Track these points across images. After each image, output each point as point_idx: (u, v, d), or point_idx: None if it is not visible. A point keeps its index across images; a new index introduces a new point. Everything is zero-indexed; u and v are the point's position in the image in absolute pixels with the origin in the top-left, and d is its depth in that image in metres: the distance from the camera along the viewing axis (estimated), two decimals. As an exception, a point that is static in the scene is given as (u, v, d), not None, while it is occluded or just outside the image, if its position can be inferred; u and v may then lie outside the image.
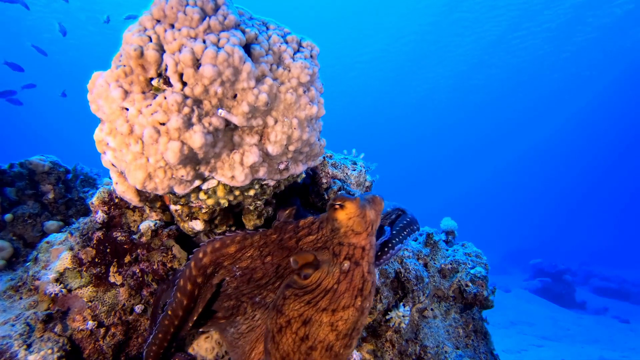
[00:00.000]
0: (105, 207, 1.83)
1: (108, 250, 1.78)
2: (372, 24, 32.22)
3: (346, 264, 1.24)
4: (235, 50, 1.20)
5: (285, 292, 1.25)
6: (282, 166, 1.49)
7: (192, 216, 1.60)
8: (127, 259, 1.78)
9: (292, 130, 1.39)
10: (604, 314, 13.81)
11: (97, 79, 1.32)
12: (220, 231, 1.79)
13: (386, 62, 37.24)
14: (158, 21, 1.26)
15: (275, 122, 1.37)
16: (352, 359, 1.90)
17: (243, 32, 1.32)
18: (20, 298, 1.86)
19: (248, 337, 1.52)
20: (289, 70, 1.39)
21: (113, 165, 1.42)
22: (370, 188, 2.33)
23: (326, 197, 2.07)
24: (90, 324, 1.72)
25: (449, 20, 29.32)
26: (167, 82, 1.24)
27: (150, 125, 1.19)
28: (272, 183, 1.55)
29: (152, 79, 1.25)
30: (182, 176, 1.31)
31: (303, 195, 2.07)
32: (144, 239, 1.76)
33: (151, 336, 1.48)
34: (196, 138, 1.20)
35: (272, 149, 1.38)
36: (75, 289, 1.76)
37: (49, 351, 1.61)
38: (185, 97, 1.21)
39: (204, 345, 1.90)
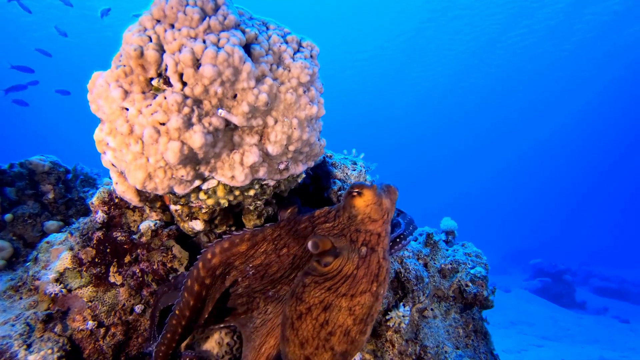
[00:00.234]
0: (105, 207, 1.83)
1: (108, 250, 1.78)
2: (371, 22, 32.21)
3: (363, 250, 1.27)
4: (235, 50, 1.20)
5: (305, 280, 1.27)
6: (282, 166, 1.49)
7: (192, 216, 1.60)
8: (127, 259, 1.78)
9: (292, 130, 1.39)
10: (604, 314, 13.81)
11: (97, 79, 1.32)
12: (220, 231, 1.79)
13: (386, 61, 37.23)
14: (158, 21, 1.26)
15: (275, 122, 1.37)
16: (352, 359, 1.89)
17: (243, 32, 1.32)
18: (20, 298, 1.86)
19: (260, 331, 1.53)
20: (289, 70, 1.39)
21: (113, 165, 1.42)
22: (370, 188, 2.32)
23: (326, 197, 2.07)
24: (90, 324, 1.72)
25: (448, 18, 29.31)
26: (167, 82, 1.24)
27: (150, 125, 1.19)
28: (272, 183, 1.55)
29: (152, 79, 1.25)
30: (182, 176, 1.31)
31: (303, 195, 2.07)
32: (144, 239, 1.76)
33: (160, 336, 1.47)
34: (196, 138, 1.20)
35: (272, 149, 1.38)
36: (75, 289, 1.76)
37: (49, 351, 1.61)
38: (185, 97, 1.21)
39: (205, 346, 1.90)
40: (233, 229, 1.81)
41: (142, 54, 1.21)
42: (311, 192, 2.12)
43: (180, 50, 1.19)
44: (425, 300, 2.21)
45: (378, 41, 34.37)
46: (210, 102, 1.25)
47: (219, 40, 1.23)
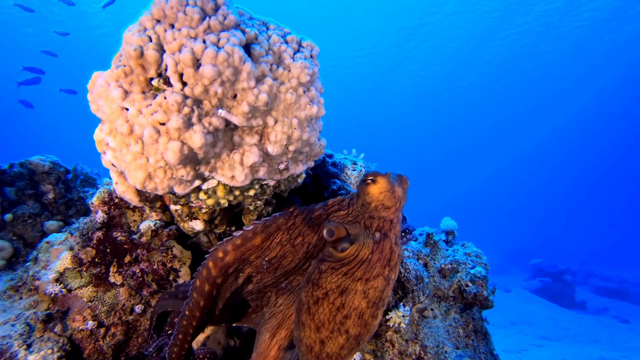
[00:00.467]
0: (105, 207, 1.83)
1: (108, 250, 1.78)
2: (370, 21, 32.18)
3: (377, 235, 1.31)
4: (235, 50, 1.20)
5: (321, 267, 1.30)
6: (282, 166, 1.49)
7: (192, 216, 1.60)
8: (127, 259, 1.78)
9: (292, 130, 1.39)
10: (604, 314, 13.80)
11: (97, 79, 1.33)
12: (220, 231, 1.79)
13: (386, 61, 37.23)
14: (158, 21, 1.26)
15: (275, 122, 1.37)
16: (352, 359, 1.90)
17: (243, 32, 1.32)
18: (20, 298, 1.86)
19: (270, 323, 1.56)
20: (289, 70, 1.39)
21: (113, 165, 1.42)
22: (370, 188, 2.32)
23: (326, 197, 2.07)
24: (90, 324, 1.72)
25: (448, 17, 29.31)
26: (167, 82, 1.24)
27: (150, 125, 1.19)
28: (272, 183, 1.55)
29: (152, 79, 1.25)
30: (182, 176, 1.31)
31: (303, 195, 2.07)
32: (144, 239, 1.76)
33: (172, 338, 1.47)
34: (196, 138, 1.20)
35: (272, 149, 1.38)
36: (75, 289, 1.76)
37: (49, 351, 1.61)
38: (185, 97, 1.21)
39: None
40: (233, 228, 1.81)
41: (142, 54, 1.21)
42: (311, 192, 2.12)
43: (180, 50, 1.19)
44: (425, 300, 2.21)
45: (377, 40, 34.35)
46: (210, 102, 1.25)
47: (219, 40, 1.23)
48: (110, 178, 1.58)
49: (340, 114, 53.52)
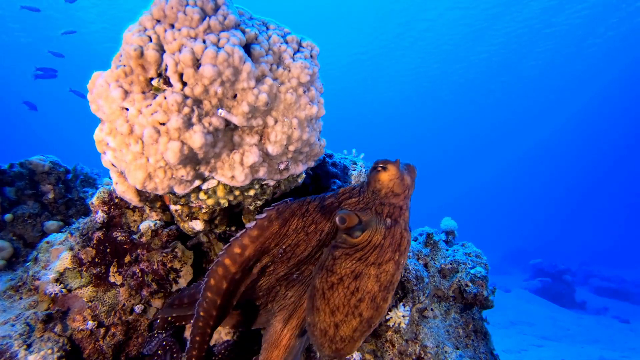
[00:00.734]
0: (105, 207, 1.83)
1: (108, 250, 1.78)
2: (370, 20, 32.18)
3: (388, 221, 1.36)
4: (235, 50, 1.20)
5: (335, 253, 1.33)
6: (282, 166, 1.49)
7: (192, 216, 1.60)
8: (127, 259, 1.78)
9: (292, 130, 1.39)
10: (604, 314, 13.80)
11: (97, 79, 1.32)
12: (220, 231, 1.79)
13: (386, 60, 37.22)
14: (158, 21, 1.26)
15: (275, 122, 1.37)
16: (352, 359, 1.90)
17: (243, 32, 1.32)
18: (20, 298, 1.86)
19: (279, 315, 1.59)
20: (289, 70, 1.39)
21: (113, 165, 1.42)
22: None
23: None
24: (90, 324, 1.72)
25: (448, 17, 29.30)
26: (167, 82, 1.24)
27: (150, 125, 1.19)
28: (272, 183, 1.55)
29: (152, 79, 1.25)
30: (182, 176, 1.31)
31: (303, 195, 2.07)
32: (144, 239, 1.76)
33: (189, 342, 1.45)
34: (196, 138, 1.20)
35: (272, 149, 1.38)
36: (75, 289, 1.76)
37: (49, 351, 1.61)
38: (185, 97, 1.21)
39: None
40: (233, 229, 1.81)
41: (142, 54, 1.21)
42: (311, 192, 2.12)
43: (180, 50, 1.19)
44: (425, 300, 2.21)
45: (377, 39, 34.33)
46: (210, 102, 1.25)
47: (219, 40, 1.23)
48: (110, 178, 1.58)
49: (340, 113, 53.50)
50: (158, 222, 1.78)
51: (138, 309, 1.80)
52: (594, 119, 46.43)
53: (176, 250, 1.78)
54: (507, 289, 14.98)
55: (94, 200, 1.84)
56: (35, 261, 1.91)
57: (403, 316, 1.98)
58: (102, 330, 1.75)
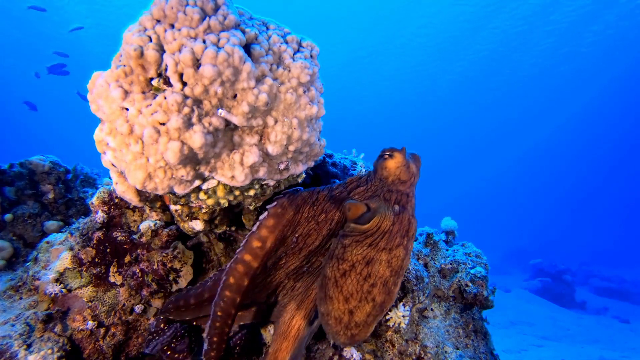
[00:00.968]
0: (105, 207, 1.83)
1: (108, 250, 1.78)
2: (371, 19, 32.17)
3: (396, 207, 1.39)
4: (235, 50, 1.20)
5: (344, 242, 1.35)
6: (282, 166, 1.49)
7: (192, 216, 1.60)
8: (127, 259, 1.78)
9: (292, 130, 1.39)
10: (604, 314, 13.80)
11: (97, 79, 1.32)
12: (220, 231, 1.79)
13: (385, 60, 37.22)
14: (158, 21, 1.26)
15: (275, 122, 1.37)
16: (353, 359, 1.90)
17: (243, 32, 1.32)
18: (20, 298, 1.86)
19: (289, 306, 1.62)
20: (289, 70, 1.39)
21: (113, 165, 1.42)
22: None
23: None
24: (90, 324, 1.72)
25: (448, 18, 29.29)
26: (167, 82, 1.24)
27: (150, 125, 1.19)
28: (272, 183, 1.55)
29: (152, 79, 1.25)
30: (182, 176, 1.31)
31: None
32: (144, 239, 1.76)
33: (206, 343, 1.42)
34: (196, 138, 1.20)
35: (272, 149, 1.38)
36: (75, 289, 1.76)
37: (49, 351, 1.61)
38: (185, 97, 1.21)
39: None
40: (233, 229, 1.81)
41: (142, 54, 1.21)
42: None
43: (180, 50, 1.19)
44: (425, 300, 2.21)
45: (377, 39, 34.32)
46: (210, 102, 1.25)
47: (219, 40, 1.23)
48: (110, 178, 1.58)
49: (340, 113, 53.49)
50: (158, 222, 1.78)
51: (138, 309, 1.80)
52: (594, 119, 46.42)
53: (176, 250, 1.78)
54: (507, 289, 14.98)
55: (94, 200, 1.84)
56: (35, 261, 1.91)
57: (403, 316, 1.98)
58: (102, 330, 1.75)
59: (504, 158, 61.53)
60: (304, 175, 1.70)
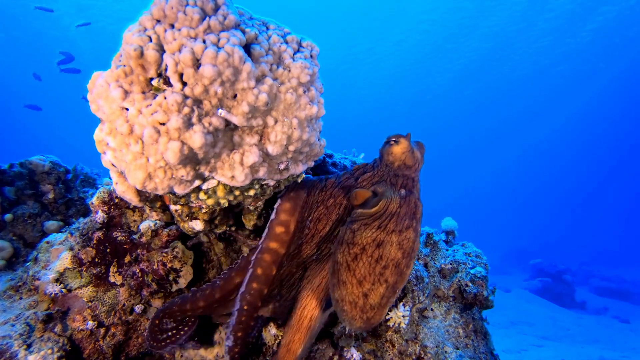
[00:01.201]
0: (105, 207, 1.83)
1: (108, 250, 1.78)
2: (371, 19, 32.16)
3: (403, 191, 1.44)
4: (235, 50, 1.20)
5: (353, 227, 1.38)
6: (282, 166, 1.49)
7: (192, 216, 1.60)
8: (127, 259, 1.78)
9: (292, 130, 1.39)
10: (604, 314, 13.79)
11: (97, 79, 1.32)
12: (220, 231, 1.79)
13: (385, 60, 37.20)
14: (158, 21, 1.26)
15: (275, 122, 1.37)
16: (353, 359, 1.90)
17: (243, 32, 1.32)
18: (20, 298, 1.86)
19: (299, 297, 1.64)
20: (289, 70, 1.39)
21: (113, 165, 1.42)
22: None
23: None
24: (90, 324, 1.72)
25: (448, 17, 29.28)
26: (167, 82, 1.24)
27: (150, 125, 1.19)
28: (272, 183, 1.55)
29: (152, 79, 1.25)
30: (182, 176, 1.31)
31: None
32: (144, 239, 1.76)
33: (231, 339, 1.40)
34: (196, 138, 1.20)
35: (272, 149, 1.38)
36: (75, 289, 1.76)
37: (49, 351, 1.61)
38: (185, 97, 1.21)
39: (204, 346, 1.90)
40: (233, 229, 1.81)
41: (142, 54, 1.21)
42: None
43: (180, 50, 1.19)
44: (425, 300, 2.21)
45: (377, 39, 34.29)
46: (210, 102, 1.25)
47: (219, 40, 1.23)
48: (110, 178, 1.58)
49: (340, 113, 53.49)
50: (158, 222, 1.78)
51: (138, 309, 1.80)
52: (594, 118, 46.41)
53: (176, 250, 1.78)
54: (507, 289, 14.97)
55: (94, 200, 1.84)
56: (35, 261, 1.91)
57: (403, 316, 1.98)
58: (102, 330, 1.75)
59: (504, 158, 61.53)
60: (303, 175, 1.70)
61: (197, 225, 1.61)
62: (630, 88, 36.91)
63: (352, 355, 1.89)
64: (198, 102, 1.24)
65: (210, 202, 1.48)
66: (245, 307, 1.38)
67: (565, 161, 58.03)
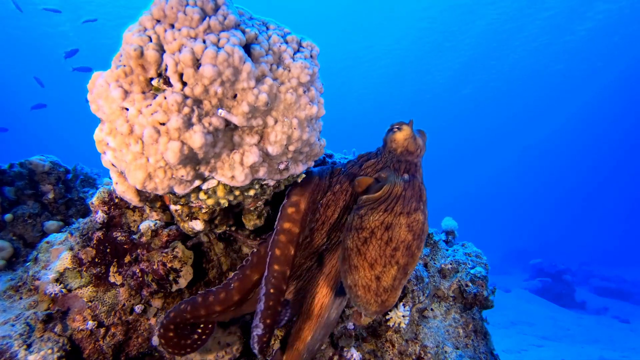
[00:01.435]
0: (105, 207, 1.83)
1: (108, 250, 1.78)
2: (371, 19, 32.15)
3: (406, 176, 1.48)
4: (235, 50, 1.20)
5: (360, 212, 1.41)
6: (282, 166, 1.49)
7: (192, 216, 1.60)
8: (127, 259, 1.78)
9: (292, 130, 1.39)
10: (604, 314, 13.80)
11: (97, 79, 1.32)
12: (220, 231, 1.79)
13: (385, 60, 37.19)
14: (158, 21, 1.26)
15: (275, 122, 1.37)
16: (353, 359, 1.90)
17: (243, 32, 1.32)
18: (20, 298, 1.86)
19: (308, 286, 1.65)
20: (289, 70, 1.39)
21: (113, 165, 1.42)
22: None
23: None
24: (90, 324, 1.72)
25: (449, 18, 29.27)
26: (167, 82, 1.24)
27: (150, 125, 1.19)
28: (272, 183, 1.55)
29: (152, 79, 1.25)
30: (182, 176, 1.31)
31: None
32: (144, 239, 1.76)
33: (260, 328, 1.35)
34: (196, 138, 1.20)
35: (272, 149, 1.38)
36: (75, 289, 1.76)
37: (49, 351, 1.61)
38: (185, 97, 1.21)
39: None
40: (233, 229, 1.81)
41: (142, 54, 1.21)
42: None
43: (180, 50, 1.19)
44: (425, 300, 2.21)
45: (377, 39, 34.29)
46: (210, 102, 1.25)
47: (219, 40, 1.23)
48: (110, 178, 1.58)
49: (339, 113, 53.48)
50: (158, 222, 1.78)
51: (138, 309, 1.80)
52: (594, 118, 46.41)
53: (176, 250, 1.78)
54: (507, 289, 14.98)
55: (94, 200, 1.84)
56: (35, 261, 1.91)
57: (403, 316, 1.98)
58: (102, 330, 1.75)
59: (504, 157, 61.53)
60: (304, 175, 1.70)
61: (197, 225, 1.61)
62: (631, 87, 36.88)
63: (352, 355, 1.89)
64: (198, 102, 1.24)
65: (210, 202, 1.48)
66: (272, 291, 1.35)
67: (565, 161, 58.04)
